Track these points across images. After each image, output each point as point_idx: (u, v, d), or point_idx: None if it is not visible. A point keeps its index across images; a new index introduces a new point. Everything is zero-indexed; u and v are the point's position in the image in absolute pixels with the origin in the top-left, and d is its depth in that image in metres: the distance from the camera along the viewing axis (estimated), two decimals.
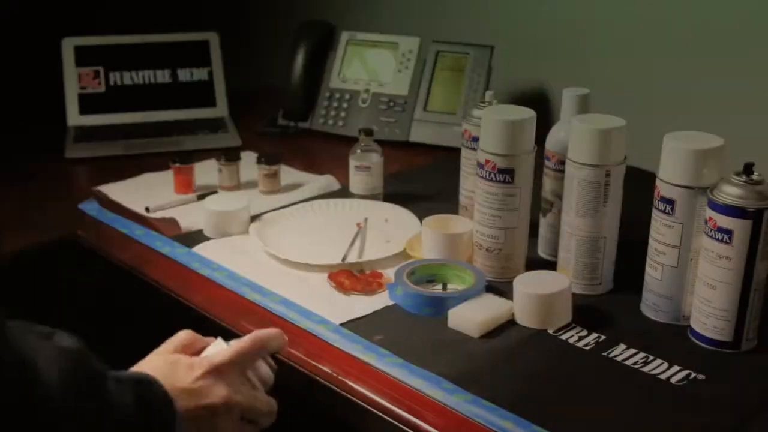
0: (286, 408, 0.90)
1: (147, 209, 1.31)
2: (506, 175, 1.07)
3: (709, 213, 0.93)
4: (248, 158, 1.47)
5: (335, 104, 1.72)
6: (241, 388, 0.82)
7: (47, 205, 1.38)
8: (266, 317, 1.04)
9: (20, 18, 2.06)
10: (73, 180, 1.53)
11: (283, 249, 1.17)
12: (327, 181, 1.43)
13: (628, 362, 0.93)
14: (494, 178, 1.07)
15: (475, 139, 1.16)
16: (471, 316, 0.99)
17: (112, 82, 1.75)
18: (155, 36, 1.78)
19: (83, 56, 1.74)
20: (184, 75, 1.78)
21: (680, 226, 0.97)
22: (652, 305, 1.01)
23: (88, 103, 1.73)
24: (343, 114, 1.71)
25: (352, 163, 1.35)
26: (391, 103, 1.68)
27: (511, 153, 1.06)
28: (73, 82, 1.72)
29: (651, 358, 0.93)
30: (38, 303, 1.06)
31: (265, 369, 0.89)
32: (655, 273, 1.00)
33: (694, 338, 0.97)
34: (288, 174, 1.46)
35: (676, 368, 0.92)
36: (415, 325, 1.01)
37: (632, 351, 0.95)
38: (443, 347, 0.96)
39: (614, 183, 1.03)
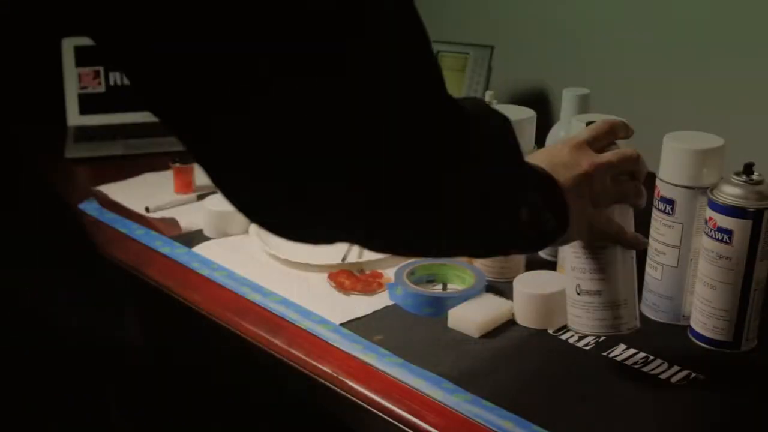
0: (286, 408, 0.90)
1: (147, 209, 1.31)
2: None
3: (709, 213, 0.93)
4: None
5: None
6: (603, 154, 0.85)
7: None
8: (266, 317, 1.04)
9: (20, 18, 2.06)
10: (73, 180, 1.53)
11: (283, 249, 1.17)
12: None
13: (628, 362, 0.93)
14: None
15: None
16: (471, 316, 0.99)
17: (112, 82, 1.75)
18: None
19: (83, 56, 1.74)
20: None
21: (680, 226, 0.97)
22: (652, 305, 1.01)
23: (88, 103, 1.73)
24: None
25: None
26: None
27: None
28: (73, 82, 1.72)
29: (651, 358, 0.93)
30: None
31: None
32: (655, 273, 1.00)
33: (694, 338, 0.97)
34: None
35: (676, 368, 0.92)
36: (415, 325, 1.01)
37: (632, 351, 0.95)
38: (443, 347, 0.96)
39: None
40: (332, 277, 1.10)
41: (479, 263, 1.11)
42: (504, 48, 1.65)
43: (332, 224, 0.64)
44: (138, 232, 1.26)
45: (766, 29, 1.35)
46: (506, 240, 0.77)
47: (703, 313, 0.96)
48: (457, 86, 1.64)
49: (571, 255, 0.90)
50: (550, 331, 0.99)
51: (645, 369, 0.92)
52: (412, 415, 0.85)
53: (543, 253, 1.18)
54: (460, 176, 0.66)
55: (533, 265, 1.12)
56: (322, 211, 0.62)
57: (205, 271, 1.14)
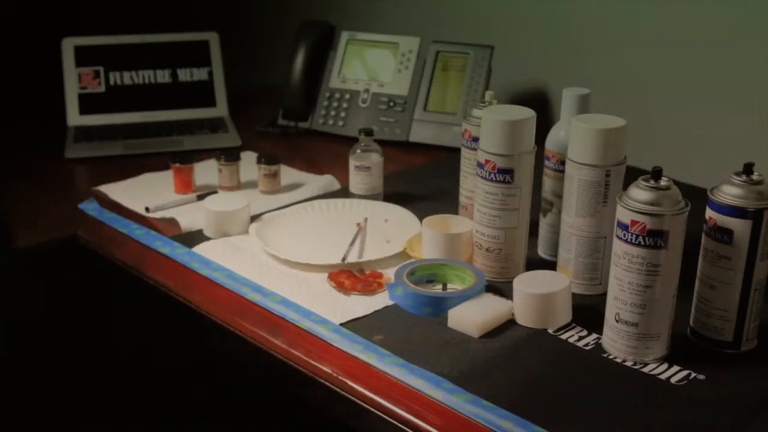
0: (286, 408, 0.90)
1: (147, 209, 1.31)
2: (506, 175, 1.07)
3: (709, 213, 0.93)
4: (248, 158, 1.47)
5: (335, 104, 1.72)
6: None
7: (47, 205, 1.38)
8: (266, 317, 1.04)
9: (20, 18, 2.06)
10: (73, 180, 1.53)
11: (283, 249, 1.17)
12: (327, 181, 1.43)
13: (628, 362, 0.93)
14: (494, 178, 1.07)
15: (475, 139, 1.16)
16: (471, 316, 0.99)
17: (112, 82, 1.75)
18: (155, 36, 1.78)
19: (83, 56, 1.74)
20: (184, 75, 1.78)
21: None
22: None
23: (88, 103, 1.73)
24: (343, 114, 1.71)
25: (352, 163, 1.35)
26: (391, 103, 1.68)
27: (511, 153, 1.06)
28: (73, 82, 1.73)
29: (651, 358, 0.93)
30: (38, 303, 1.06)
31: None
32: None
33: (694, 338, 0.97)
34: (288, 174, 1.46)
35: (676, 368, 0.92)
36: (415, 325, 1.01)
37: None
38: (443, 347, 0.96)
39: (614, 183, 1.03)
40: (332, 277, 1.10)
41: (479, 263, 1.11)
42: (504, 48, 1.66)
43: None
44: (138, 232, 1.26)
45: (765, 31, 1.35)
46: None
47: (703, 313, 0.96)
48: (457, 86, 1.64)
49: (615, 286, 0.92)
50: (550, 331, 0.99)
51: (645, 369, 0.92)
52: (412, 415, 0.85)
53: (543, 253, 1.18)
54: None
55: (533, 265, 1.12)
56: None
57: (205, 271, 1.14)
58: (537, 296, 1.00)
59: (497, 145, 1.06)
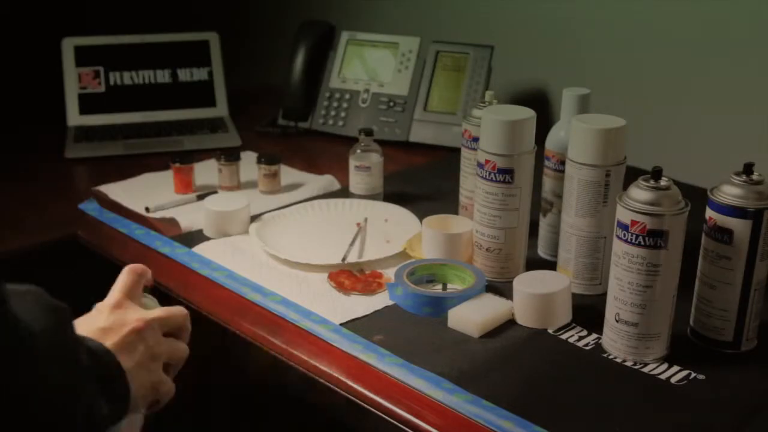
0: (286, 408, 0.90)
1: (147, 209, 1.31)
2: (506, 175, 1.07)
3: (709, 213, 0.93)
4: (248, 158, 1.47)
5: (335, 104, 1.72)
6: (146, 310, 0.82)
7: (47, 205, 1.38)
8: (266, 317, 1.04)
9: (20, 18, 2.06)
10: (73, 180, 1.53)
11: (283, 249, 1.17)
12: (327, 181, 1.43)
13: (628, 362, 0.93)
14: (494, 178, 1.07)
15: (475, 139, 1.16)
16: (471, 316, 0.99)
17: (112, 82, 1.75)
18: (155, 36, 1.78)
19: (83, 56, 1.74)
20: (184, 75, 1.78)
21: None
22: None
23: (88, 103, 1.73)
24: (343, 114, 1.71)
25: (352, 163, 1.35)
26: (391, 103, 1.68)
27: (511, 153, 1.06)
28: (73, 82, 1.73)
29: (651, 358, 0.93)
30: None
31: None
32: None
33: (694, 338, 0.97)
34: (288, 174, 1.46)
35: (676, 368, 0.92)
36: (415, 325, 1.01)
37: None
38: (443, 347, 0.96)
39: (614, 183, 1.03)
40: (332, 277, 1.10)
41: (479, 263, 1.11)
42: (504, 48, 1.66)
43: None
44: (138, 232, 1.26)
45: (765, 31, 1.35)
46: None
47: (703, 313, 0.96)
48: (457, 86, 1.64)
49: (615, 286, 0.92)
50: (550, 331, 0.99)
51: (645, 369, 0.92)
52: (412, 415, 0.85)
53: (543, 253, 1.18)
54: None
55: (533, 265, 1.12)
56: None
57: (205, 271, 1.14)
58: (537, 296, 1.00)
59: (497, 145, 1.06)
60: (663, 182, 0.90)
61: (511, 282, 1.03)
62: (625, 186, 0.95)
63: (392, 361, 0.93)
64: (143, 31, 1.79)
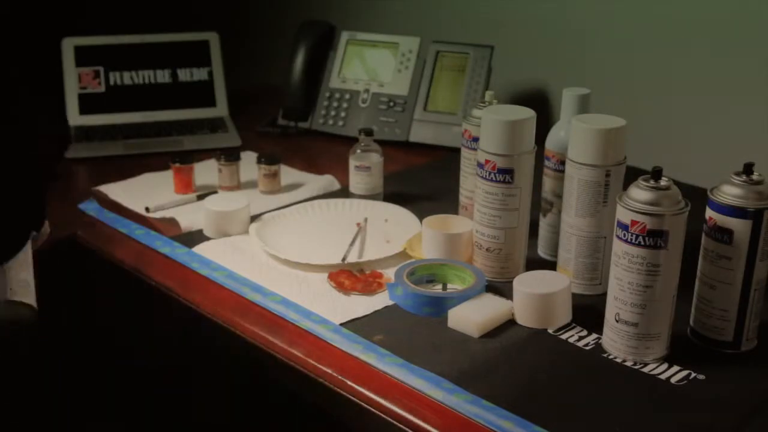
0: (286, 408, 0.90)
1: (147, 209, 1.31)
2: (506, 175, 1.07)
3: (709, 213, 0.93)
4: (248, 158, 1.47)
5: (335, 104, 1.72)
6: None
7: (47, 205, 1.38)
8: (266, 317, 1.04)
9: (20, 18, 2.06)
10: (73, 180, 1.53)
11: (283, 249, 1.17)
12: (327, 181, 1.43)
13: (628, 362, 0.93)
14: (494, 178, 1.07)
15: (475, 139, 1.16)
16: (471, 316, 0.99)
17: (112, 82, 1.75)
18: (155, 36, 1.78)
19: (83, 56, 1.74)
20: (184, 75, 1.78)
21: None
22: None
23: (88, 103, 1.73)
24: (343, 114, 1.71)
25: (352, 163, 1.35)
26: (391, 103, 1.68)
27: (511, 153, 1.06)
28: (73, 82, 1.73)
29: (651, 358, 0.93)
30: (38, 303, 1.06)
31: None
32: None
33: (694, 338, 0.97)
34: (288, 174, 1.46)
35: (676, 368, 0.92)
36: (415, 325, 1.01)
37: None
38: (443, 347, 0.96)
39: (614, 183, 1.03)
40: (332, 277, 1.10)
41: (479, 263, 1.11)
42: (504, 48, 1.66)
43: None
44: (138, 232, 1.26)
45: (765, 30, 1.35)
46: None
47: (703, 313, 0.96)
48: (457, 86, 1.64)
49: (615, 286, 0.92)
50: (550, 331, 0.99)
51: (645, 369, 0.92)
52: (412, 415, 0.85)
53: (543, 253, 1.18)
54: None
55: (533, 265, 1.12)
56: None
57: (205, 271, 1.14)
58: (537, 296, 1.00)
59: (497, 145, 1.06)
60: (663, 182, 0.90)
61: (511, 282, 1.03)
62: (625, 186, 0.95)
63: (392, 361, 0.93)
64: (143, 31, 1.79)
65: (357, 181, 1.35)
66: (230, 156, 1.41)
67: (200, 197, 1.35)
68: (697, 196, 0.94)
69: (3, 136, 0.61)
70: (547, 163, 1.16)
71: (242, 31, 2.17)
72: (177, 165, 1.38)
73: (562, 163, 1.10)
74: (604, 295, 0.98)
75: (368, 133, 1.36)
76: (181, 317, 1.13)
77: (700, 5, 1.43)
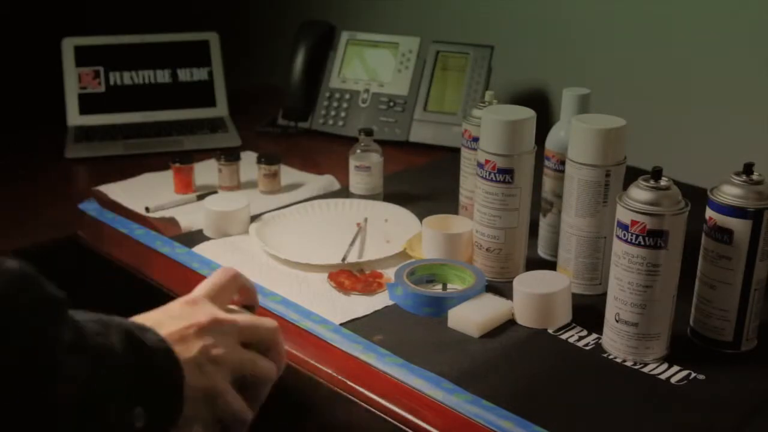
0: (285, 408, 0.90)
1: (147, 209, 1.31)
2: (506, 175, 1.07)
3: (709, 213, 0.93)
4: (248, 158, 1.47)
5: (335, 104, 1.72)
6: (228, 313, 0.69)
7: (47, 205, 1.38)
8: (266, 317, 1.03)
9: (20, 18, 2.06)
10: (73, 180, 1.53)
11: (283, 249, 1.17)
12: (327, 181, 1.43)
13: (628, 362, 0.93)
14: (494, 178, 1.07)
15: (475, 139, 1.16)
16: (471, 316, 0.99)
17: (112, 82, 1.75)
18: (155, 36, 1.78)
19: (83, 56, 1.74)
20: (184, 75, 1.78)
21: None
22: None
23: (88, 103, 1.73)
24: (343, 114, 1.71)
25: (352, 163, 1.35)
26: (391, 103, 1.68)
27: (511, 153, 1.06)
28: (73, 82, 1.73)
29: (651, 358, 0.93)
30: None
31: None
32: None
33: (694, 338, 0.97)
34: (288, 174, 1.46)
35: (676, 368, 0.92)
36: (415, 325, 1.01)
37: None
38: (443, 347, 0.96)
39: (614, 183, 1.03)
40: (332, 277, 1.10)
41: (479, 263, 1.11)
42: (504, 48, 1.66)
43: None
44: (138, 232, 1.26)
45: (765, 30, 1.35)
46: None
47: (703, 313, 0.96)
48: (457, 86, 1.64)
49: (615, 286, 0.92)
50: (550, 331, 0.99)
51: (645, 369, 0.92)
52: (412, 415, 0.85)
53: (543, 253, 1.18)
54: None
55: (533, 265, 1.12)
56: None
57: (205, 271, 1.14)
58: (537, 296, 1.00)
59: (497, 145, 1.06)
60: (663, 182, 0.90)
61: (511, 282, 1.03)
62: (625, 186, 0.96)
63: (392, 361, 0.93)
64: (143, 31, 1.79)
65: (357, 181, 1.35)
66: (230, 156, 1.41)
67: (200, 197, 1.35)
68: (697, 196, 0.94)
69: None
70: (547, 163, 1.16)
71: (242, 31, 2.17)
72: (177, 165, 1.38)
73: (562, 163, 1.10)
74: (604, 295, 0.98)
75: (368, 133, 1.36)
76: None
77: (700, 5, 1.43)
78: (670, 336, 0.94)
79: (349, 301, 1.06)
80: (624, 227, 0.90)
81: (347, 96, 1.72)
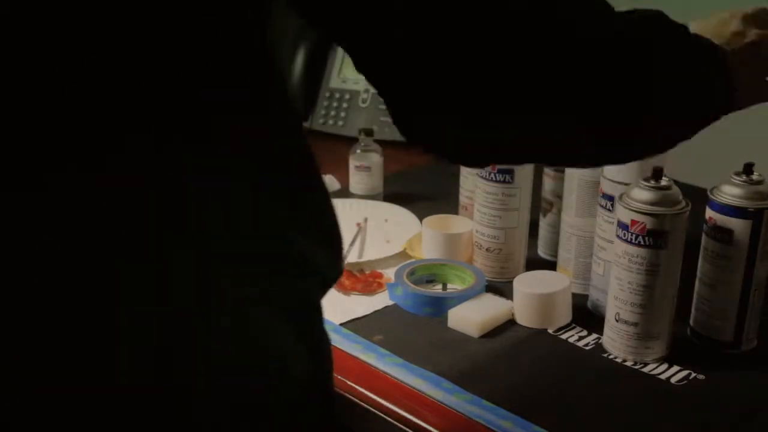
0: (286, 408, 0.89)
1: None
2: (506, 174, 1.07)
3: (709, 213, 0.93)
4: None
5: (335, 104, 1.72)
6: None
7: None
8: None
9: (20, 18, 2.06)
10: None
11: None
12: (327, 181, 1.42)
13: (628, 362, 0.93)
14: (494, 178, 1.07)
15: None
16: (471, 316, 0.99)
17: None
18: None
19: None
20: None
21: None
22: (596, 300, 1.02)
23: None
24: (343, 114, 1.71)
25: (352, 163, 1.35)
26: None
27: None
28: None
29: (651, 358, 0.93)
30: None
31: None
32: (598, 269, 1.00)
33: (694, 338, 0.97)
34: None
35: (676, 368, 0.92)
36: (415, 325, 1.01)
37: None
38: (443, 347, 0.96)
39: None
40: None
41: (479, 263, 1.11)
42: None
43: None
44: None
45: None
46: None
47: (704, 313, 0.96)
48: None
49: (615, 286, 0.91)
50: (550, 331, 0.99)
51: (645, 369, 0.92)
52: (412, 415, 0.85)
53: (543, 253, 1.18)
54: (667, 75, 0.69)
55: (533, 265, 1.12)
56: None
57: None
58: (537, 296, 1.00)
59: None
60: (663, 182, 0.90)
61: (511, 282, 1.03)
62: None
63: (392, 361, 0.93)
64: None
65: (357, 181, 1.35)
66: None
67: None
68: (697, 196, 0.94)
69: None
70: None
71: None
72: None
73: None
74: None
75: (368, 133, 1.36)
76: None
77: (700, 5, 1.42)
78: (670, 336, 0.94)
79: (349, 301, 1.06)
80: (624, 227, 0.90)
81: (347, 96, 1.72)
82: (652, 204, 0.88)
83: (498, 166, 1.06)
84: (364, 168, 1.34)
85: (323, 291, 0.69)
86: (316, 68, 1.75)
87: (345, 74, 1.74)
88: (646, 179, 0.90)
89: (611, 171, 0.97)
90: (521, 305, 1.01)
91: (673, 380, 0.90)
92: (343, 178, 1.40)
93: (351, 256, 1.16)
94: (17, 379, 0.54)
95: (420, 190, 1.40)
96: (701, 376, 0.90)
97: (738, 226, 0.91)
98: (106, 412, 0.56)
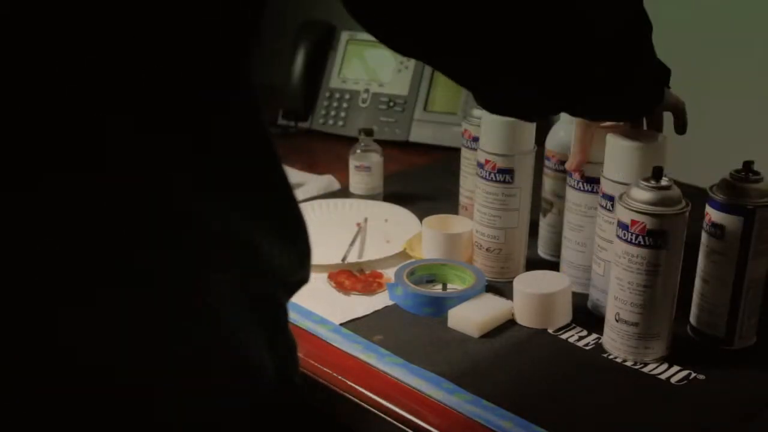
0: (286, 408, 0.89)
1: None
2: (506, 175, 1.07)
3: (707, 210, 0.94)
4: None
5: (335, 104, 1.72)
6: None
7: None
8: None
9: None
10: None
11: None
12: (327, 181, 1.43)
13: (628, 362, 0.93)
14: (494, 178, 1.07)
15: (475, 139, 1.16)
16: (471, 316, 0.99)
17: None
18: None
19: None
20: None
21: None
22: (596, 300, 1.02)
23: None
24: (343, 114, 1.71)
25: (352, 163, 1.35)
26: (391, 103, 1.68)
27: (511, 153, 1.06)
28: None
29: (651, 358, 0.93)
30: None
31: None
32: (598, 269, 1.00)
33: (693, 334, 0.98)
34: (288, 174, 1.45)
35: (676, 368, 0.92)
36: (415, 325, 1.01)
37: None
38: (443, 347, 0.96)
39: None
40: (332, 277, 1.10)
41: (479, 263, 1.11)
42: None
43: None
44: None
45: (766, 29, 1.35)
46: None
47: (701, 309, 0.96)
48: (457, 86, 1.63)
49: (615, 286, 0.92)
50: (550, 331, 0.99)
51: (645, 369, 0.92)
52: (412, 415, 0.85)
53: (543, 253, 1.18)
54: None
55: (533, 265, 1.12)
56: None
57: None
58: (537, 296, 1.00)
59: (497, 145, 1.06)
60: (663, 182, 0.90)
61: (511, 282, 1.03)
62: None
63: (392, 361, 0.93)
64: None
65: (357, 181, 1.35)
66: None
67: None
68: (697, 196, 0.94)
69: None
70: (547, 163, 1.16)
71: None
72: None
73: (562, 163, 1.10)
74: None
75: (368, 133, 1.36)
76: None
77: (700, 4, 1.42)
78: (670, 336, 0.94)
79: (349, 301, 1.06)
80: (624, 227, 0.90)
81: (347, 96, 1.72)
82: (652, 204, 0.88)
83: (498, 167, 1.06)
84: (364, 168, 1.34)
85: (289, 293, 0.70)
86: (316, 68, 1.75)
87: (345, 74, 1.74)
88: (646, 179, 0.90)
89: (611, 171, 0.97)
90: (521, 305, 1.01)
91: (673, 380, 0.90)
92: (343, 178, 1.40)
93: (351, 256, 1.16)
94: (17, 379, 0.54)
95: (420, 190, 1.40)
96: (701, 376, 0.90)
97: (730, 222, 0.91)
98: (106, 413, 0.56)
